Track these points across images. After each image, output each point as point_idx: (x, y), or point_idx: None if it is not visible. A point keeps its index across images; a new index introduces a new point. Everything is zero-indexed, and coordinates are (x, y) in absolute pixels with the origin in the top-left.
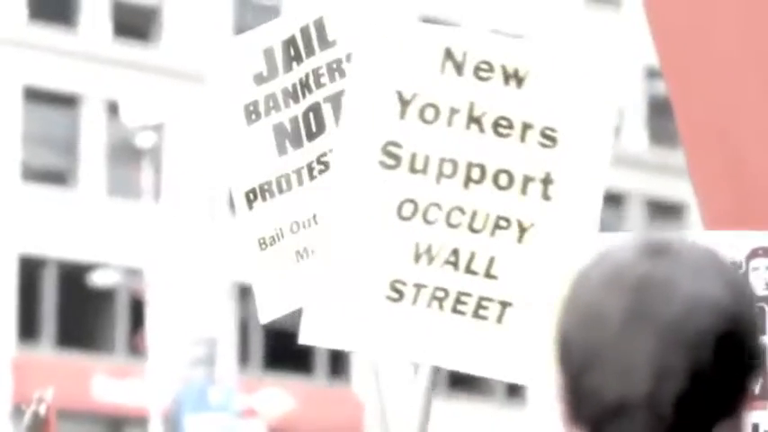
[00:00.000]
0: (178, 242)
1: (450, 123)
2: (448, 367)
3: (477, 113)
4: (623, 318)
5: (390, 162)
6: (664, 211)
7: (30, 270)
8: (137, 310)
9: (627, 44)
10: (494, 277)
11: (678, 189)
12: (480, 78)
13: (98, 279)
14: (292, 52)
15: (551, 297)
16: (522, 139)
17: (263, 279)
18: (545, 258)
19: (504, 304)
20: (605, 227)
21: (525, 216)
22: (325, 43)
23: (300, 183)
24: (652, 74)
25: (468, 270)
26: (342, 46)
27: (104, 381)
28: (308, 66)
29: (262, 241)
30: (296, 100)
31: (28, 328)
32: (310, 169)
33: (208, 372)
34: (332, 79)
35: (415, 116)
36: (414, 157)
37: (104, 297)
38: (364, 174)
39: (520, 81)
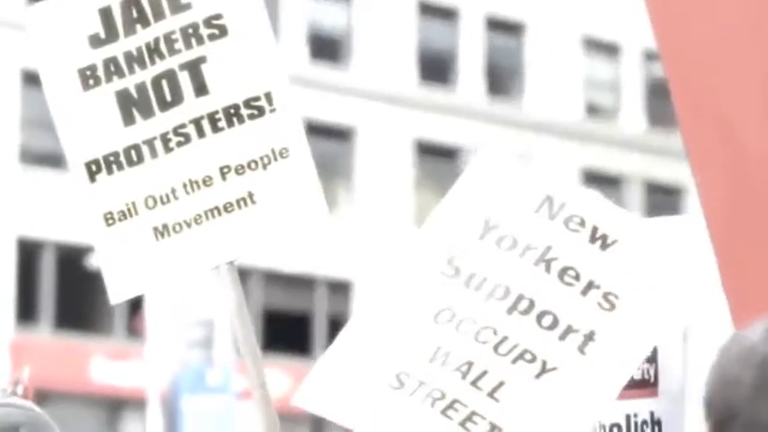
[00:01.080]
0: None
1: (521, 256)
2: None
3: (549, 256)
4: (753, 385)
5: (450, 272)
6: (662, 193)
7: (28, 253)
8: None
9: (625, 26)
10: (496, 400)
11: (677, 172)
12: (569, 229)
13: (96, 261)
14: (135, 14)
15: None
16: (584, 294)
17: (112, 257)
18: (553, 402)
19: (494, 427)
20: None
21: (552, 358)
22: (177, 6)
23: (154, 155)
24: (650, 57)
25: (474, 384)
26: (198, 9)
27: (102, 363)
28: (157, 30)
29: (109, 216)
30: (142, 65)
31: (26, 310)
32: (165, 140)
33: (206, 354)
34: (188, 46)
35: (493, 241)
36: (473, 275)
37: (103, 280)
38: (421, 273)
39: (605, 245)
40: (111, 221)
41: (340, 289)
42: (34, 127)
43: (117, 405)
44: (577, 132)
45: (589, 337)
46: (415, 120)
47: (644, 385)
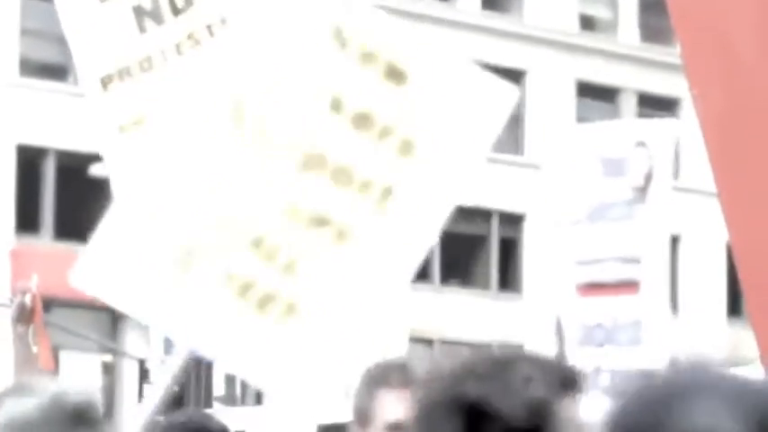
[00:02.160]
0: None
1: (312, 100)
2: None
3: (341, 98)
4: None
5: (233, 124)
6: (656, 104)
7: (28, 160)
8: None
9: None
10: (292, 274)
11: (670, 83)
12: (361, 64)
13: (98, 170)
14: None
15: (349, 311)
16: (379, 140)
17: (123, 165)
18: (353, 272)
19: (292, 306)
20: (600, 120)
21: (349, 221)
22: None
23: (166, 60)
24: None
25: (268, 258)
26: None
27: None
28: None
29: (123, 126)
30: None
31: (27, 218)
32: (178, 46)
33: None
34: None
35: (278, 85)
36: (260, 126)
37: (104, 187)
38: (202, 124)
39: (401, 82)
40: (125, 130)
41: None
42: (34, 38)
43: (119, 313)
44: (573, 45)
45: (387, 191)
46: None
47: (628, 286)
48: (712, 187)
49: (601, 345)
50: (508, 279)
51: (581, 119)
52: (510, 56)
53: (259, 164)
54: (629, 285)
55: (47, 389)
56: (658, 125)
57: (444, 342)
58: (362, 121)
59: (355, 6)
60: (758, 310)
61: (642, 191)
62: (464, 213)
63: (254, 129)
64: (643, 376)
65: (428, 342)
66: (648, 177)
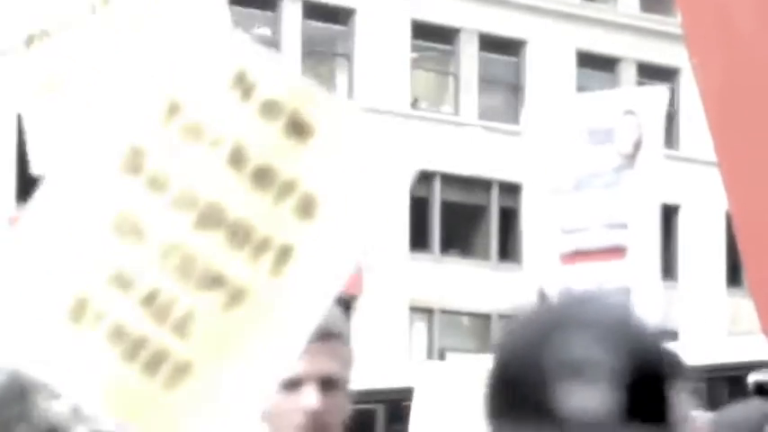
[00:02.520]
0: None
1: (210, 150)
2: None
3: (241, 151)
4: None
5: (129, 169)
6: (656, 74)
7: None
8: None
9: None
10: (183, 335)
11: (670, 53)
12: (263, 115)
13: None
14: None
15: (243, 377)
16: (280, 199)
17: (40, 127)
18: (246, 336)
19: (182, 368)
20: (600, 90)
21: (244, 282)
22: None
23: (82, 21)
24: None
25: (160, 316)
26: None
27: None
28: None
29: (40, 86)
30: None
31: (27, 186)
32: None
33: None
34: None
35: (177, 129)
36: (156, 174)
37: None
38: (95, 169)
39: (305, 137)
40: (39, 93)
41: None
42: None
43: None
44: (573, 15)
45: (285, 253)
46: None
47: (615, 252)
48: (712, 157)
49: None
50: (508, 249)
51: (581, 88)
52: (510, 26)
53: (155, 215)
54: (617, 251)
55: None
56: (648, 93)
57: (444, 312)
58: (263, 176)
59: (261, 52)
60: (757, 279)
61: (631, 158)
62: (463, 183)
63: (150, 177)
64: (527, 308)
65: (428, 312)
66: (638, 144)
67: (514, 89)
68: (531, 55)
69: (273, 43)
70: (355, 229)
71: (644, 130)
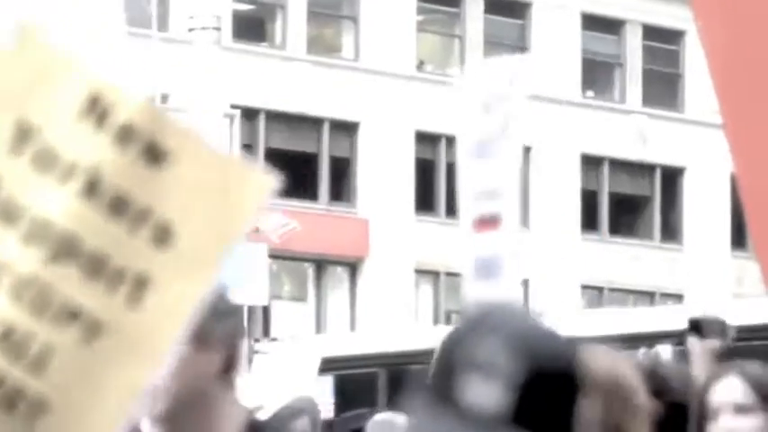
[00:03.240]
0: (185, 67)
1: (62, 181)
2: None
3: (95, 180)
4: None
5: None
6: (662, 36)
7: None
8: None
9: None
10: (40, 373)
11: (675, 15)
12: (117, 141)
13: None
14: None
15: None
16: (134, 228)
17: None
18: (105, 369)
19: (39, 407)
20: (603, 52)
21: (101, 315)
22: None
23: None
24: None
25: (14, 354)
26: None
27: None
28: None
29: None
30: None
31: None
32: None
33: None
34: None
35: (29, 157)
36: (7, 205)
37: None
38: None
39: (160, 164)
40: None
41: (345, 129)
42: None
43: None
44: None
45: (142, 283)
46: None
47: (491, 222)
48: (717, 119)
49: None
50: None
51: (586, 51)
52: None
53: (7, 249)
54: (492, 221)
55: None
56: (509, 61)
57: (449, 274)
58: (118, 205)
59: (116, 76)
60: (762, 241)
61: (504, 128)
62: None
63: (1, 209)
64: (467, 313)
65: (434, 274)
66: (508, 115)
67: (520, 51)
68: (536, 17)
69: (280, 6)
70: (211, 256)
71: (512, 98)
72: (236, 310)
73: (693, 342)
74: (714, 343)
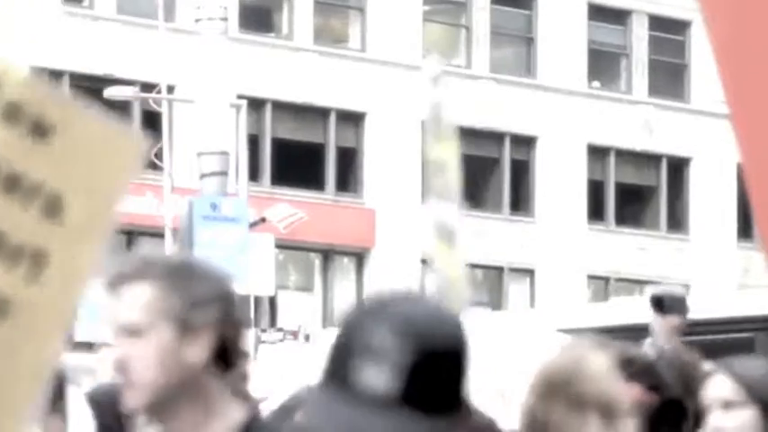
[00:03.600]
0: (192, 57)
1: None
2: None
3: None
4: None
5: None
6: (668, 27)
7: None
8: (152, 125)
9: None
10: None
11: (681, 5)
12: (4, 119)
13: (113, 92)
14: None
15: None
16: (26, 203)
17: None
18: (10, 350)
19: None
20: (610, 43)
21: (7, 294)
22: None
23: None
24: None
25: None
26: None
27: None
28: None
29: None
30: None
31: None
32: None
33: (220, 185)
34: None
35: None
36: None
37: (120, 111)
38: None
39: (46, 139)
40: None
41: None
42: None
43: (133, 234)
44: None
45: (39, 259)
46: None
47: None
48: (723, 109)
49: None
50: (520, 201)
51: (592, 41)
52: None
53: None
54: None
55: None
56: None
57: None
58: (11, 182)
59: None
60: None
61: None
62: (476, 135)
63: None
64: (360, 302)
65: None
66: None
67: (526, 42)
68: (542, 7)
69: None
70: (100, 223)
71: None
72: (223, 296)
73: (655, 318)
74: (675, 319)
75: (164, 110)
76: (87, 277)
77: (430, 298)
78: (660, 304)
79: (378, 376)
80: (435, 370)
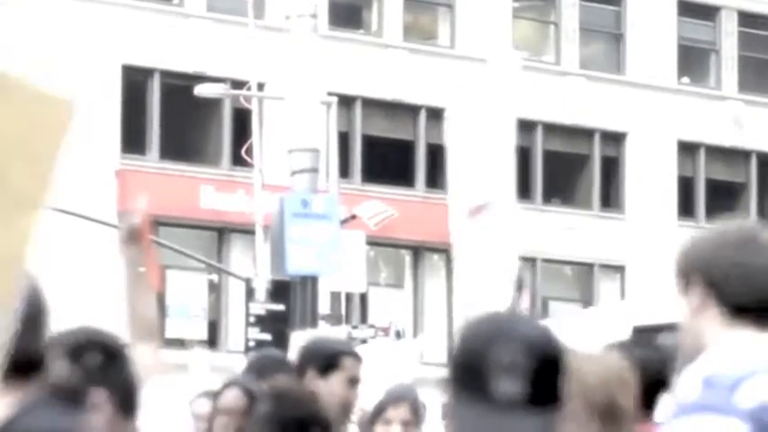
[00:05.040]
0: (282, 55)
1: None
2: None
3: None
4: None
5: None
6: (757, 23)
7: (134, 80)
8: (242, 122)
9: None
10: None
11: None
12: None
13: (204, 90)
14: None
15: None
16: None
17: None
18: None
19: None
20: (699, 39)
21: None
22: None
23: None
24: None
25: None
26: None
27: (210, 190)
28: None
29: None
30: None
31: (133, 138)
32: None
33: (311, 181)
34: None
35: None
36: None
37: (210, 108)
38: None
39: None
40: None
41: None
42: None
43: (225, 231)
44: None
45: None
46: None
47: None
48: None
49: None
50: (610, 198)
51: (682, 38)
52: None
53: None
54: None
55: None
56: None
57: (546, 261)
58: None
59: None
60: None
61: None
62: (566, 132)
63: None
64: (472, 320)
65: (531, 261)
66: None
67: (615, 38)
68: (631, 4)
69: None
70: (39, 190)
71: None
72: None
73: (515, 297)
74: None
75: (254, 107)
76: (28, 249)
77: (526, 314)
78: (519, 285)
79: (511, 385)
80: (549, 373)
